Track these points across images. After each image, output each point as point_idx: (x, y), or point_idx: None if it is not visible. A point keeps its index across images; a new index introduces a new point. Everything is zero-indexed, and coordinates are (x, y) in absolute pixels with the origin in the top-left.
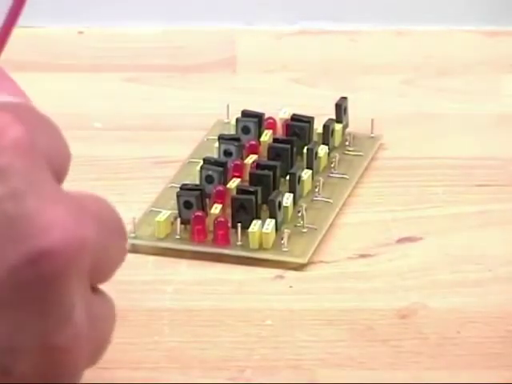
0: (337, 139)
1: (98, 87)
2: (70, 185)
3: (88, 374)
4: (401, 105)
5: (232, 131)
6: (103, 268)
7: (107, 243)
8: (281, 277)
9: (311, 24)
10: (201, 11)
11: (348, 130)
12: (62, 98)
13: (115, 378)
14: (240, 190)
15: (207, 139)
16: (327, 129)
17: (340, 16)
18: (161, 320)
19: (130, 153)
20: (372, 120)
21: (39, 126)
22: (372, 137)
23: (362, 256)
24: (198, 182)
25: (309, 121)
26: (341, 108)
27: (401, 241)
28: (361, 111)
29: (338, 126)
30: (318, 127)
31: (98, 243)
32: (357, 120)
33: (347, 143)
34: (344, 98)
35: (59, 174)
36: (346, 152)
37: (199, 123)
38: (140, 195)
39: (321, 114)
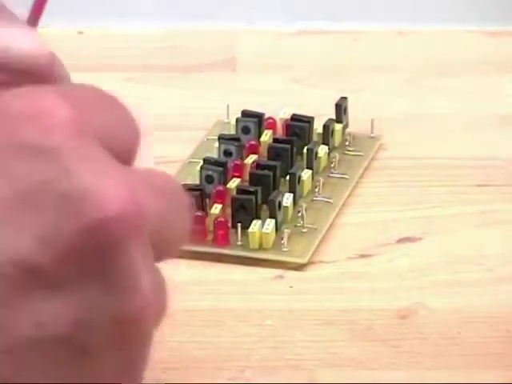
0: (337, 139)
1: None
2: None
3: None
4: (401, 105)
5: (232, 131)
6: (167, 241)
7: (170, 217)
8: (281, 277)
9: (311, 24)
10: (201, 11)
11: (348, 130)
12: None
13: None
14: (240, 190)
15: (207, 139)
16: (327, 129)
17: (340, 16)
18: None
19: None
20: (372, 120)
21: (95, 106)
22: (372, 137)
23: (362, 256)
24: (198, 182)
25: (309, 121)
26: (341, 108)
27: (401, 241)
28: (361, 111)
29: (337, 126)
30: (318, 127)
31: (160, 215)
32: (357, 120)
33: (347, 143)
34: (344, 98)
35: (123, 153)
36: (346, 152)
37: (199, 123)
38: None
39: (321, 114)
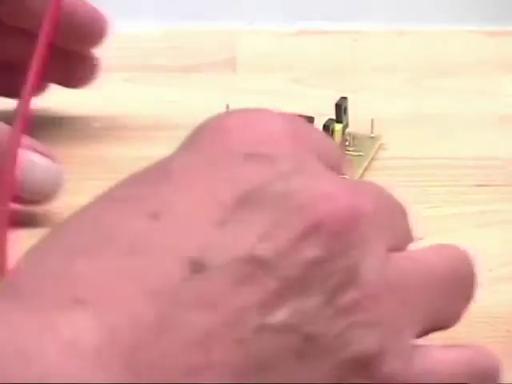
0: (337, 139)
1: (98, 87)
2: (70, 185)
3: None
4: (401, 105)
5: None
6: (396, 243)
7: (392, 217)
8: None
9: (311, 24)
10: (201, 11)
11: (348, 130)
12: (61, 98)
13: None
14: None
15: None
16: (327, 129)
17: (340, 16)
18: None
19: (130, 153)
20: (372, 120)
21: (304, 123)
22: (372, 137)
23: None
24: None
25: (309, 121)
26: (341, 108)
27: None
28: (361, 111)
29: (337, 126)
30: (318, 127)
31: (380, 216)
32: (357, 120)
33: (347, 143)
34: (344, 98)
35: (333, 168)
36: (346, 152)
37: (199, 123)
38: None
39: (321, 114)
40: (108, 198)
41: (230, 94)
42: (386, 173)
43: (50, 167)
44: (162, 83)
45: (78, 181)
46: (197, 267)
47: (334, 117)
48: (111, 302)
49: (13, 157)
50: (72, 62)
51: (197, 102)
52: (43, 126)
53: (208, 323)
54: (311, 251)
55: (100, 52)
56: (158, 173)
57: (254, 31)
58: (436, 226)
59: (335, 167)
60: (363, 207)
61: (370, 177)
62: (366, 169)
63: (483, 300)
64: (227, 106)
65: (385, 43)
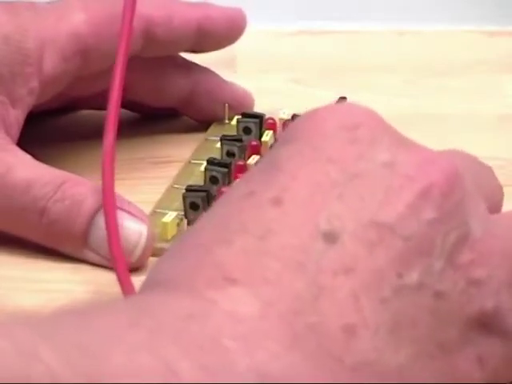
0: None
1: None
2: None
3: None
4: (401, 105)
5: (231, 131)
6: (491, 197)
7: (483, 175)
8: None
9: (311, 24)
10: None
11: None
12: None
13: None
14: None
15: (206, 139)
16: None
17: (340, 16)
18: None
19: (130, 153)
20: None
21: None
22: None
23: None
24: (200, 183)
25: None
26: None
27: None
28: None
29: None
30: None
31: (474, 177)
32: None
33: None
34: (343, 98)
35: (491, 208)
36: None
37: (200, 124)
38: (140, 196)
39: None
40: (230, 196)
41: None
42: None
43: (142, 232)
44: None
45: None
46: (329, 237)
47: None
48: (261, 279)
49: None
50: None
51: None
52: (43, 126)
53: (352, 285)
54: (428, 212)
55: None
56: (269, 166)
57: (254, 31)
58: None
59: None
60: (461, 169)
61: None
62: None
63: None
64: (227, 107)
65: (385, 43)
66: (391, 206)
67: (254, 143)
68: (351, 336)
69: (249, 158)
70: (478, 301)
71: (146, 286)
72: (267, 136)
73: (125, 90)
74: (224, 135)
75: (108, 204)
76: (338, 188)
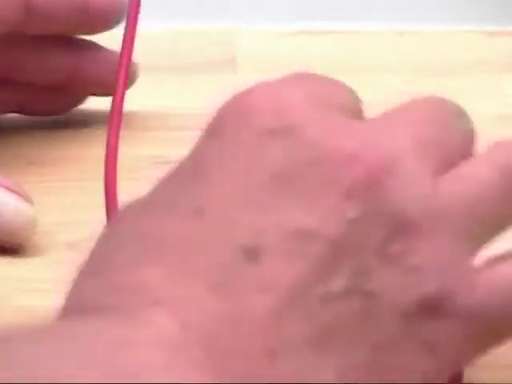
0: None
1: None
2: (70, 185)
3: None
4: None
5: None
6: (447, 152)
7: (442, 132)
8: None
9: (311, 24)
10: (201, 11)
11: None
12: None
13: None
14: None
15: None
16: None
17: (340, 16)
18: None
19: (130, 153)
20: None
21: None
22: None
23: None
24: None
25: None
26: None
27: None
28: None
29: None
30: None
31: (425, 139)
32: None
33: None
34: None
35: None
36: None
37: (199, 123)
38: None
39: None
40: (148, 206)
41: (231, 93)
42: None
43: (20, 209)
44: (162, 83)
45: (77, 181)
46: (250, 254)
47: None
48: (183, 301)
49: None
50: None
51: (197, 102)
52: (42, 127)
53: (274, 304)
54: (351, 212)
55: None
56: (189, 170)
57: (254, 31)
58: None
59: (358, 112)
60: (398, 150)
61: None
62: None
63: None
64: None
65: (385, 43)
66: (313, 211)
67: None
68: (273, 359)
69: None
70: (416, 288)
71: (70, 307)
72: None
73: (11, 68)
74: None
75: (111, 204)
76: (261, 194)
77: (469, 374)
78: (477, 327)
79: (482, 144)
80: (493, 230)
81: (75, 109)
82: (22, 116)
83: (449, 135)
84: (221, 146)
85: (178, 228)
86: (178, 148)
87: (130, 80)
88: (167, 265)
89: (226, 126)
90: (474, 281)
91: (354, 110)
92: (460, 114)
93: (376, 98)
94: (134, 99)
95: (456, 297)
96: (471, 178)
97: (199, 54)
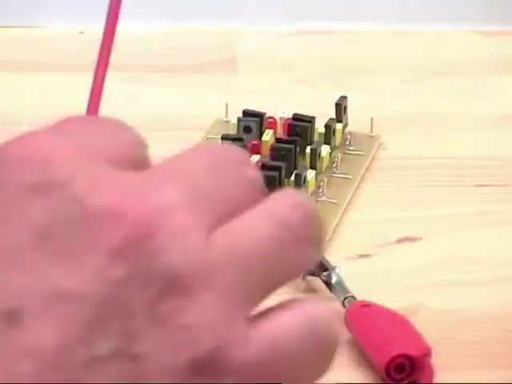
0: (337, 139)
1: None
2: None
3: None
4: (400, 105)
5: (231, 130)
6: (224, 205)
7: (218, 187)
8: None
9: (311, 24)
10: (201, 11)
11: (347, 129)
12: (62, 98)
13: None
14: None
15: (207, 138)
16: (329, 129)
17: (340, 16)
18: None
19: None
20: (371, 119)
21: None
22: (371, 136)
23: (362, 256)
24: None
25: (310, 120)
26: (341, 107)
27: (400, 241)
28: (360, 111)
29: (338, 126)
30: (319, 127)
31: (196, 197)
32: (356, 119)
33: (347, 142)
34: (344, 98)
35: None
36: (347, 152)
37: (200, 123)
38: None
39: (321, 113)
40: None
41: (230, 94)
42: (386, 173)
43: None
44: (162, 83)
45: None
46: (11, 317)
47: (333, 116)
48: None
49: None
50: None
51: (197, 101)
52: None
53: (37, 368)
54: (117, 271)
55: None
56: None
57: (254, 31)
58: (436, 226)
59: (140, 161)
60: (166, 203)
61: (371, 177)
62: (366, 169)
63: (482, 300)
64: (227, 106)
65: (384, 43)
66: (76, 272)
67: (255, 142)
68: None
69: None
70: (187, 348)
71: None
72: (267, 135)
73: None
74: (224, 134)
75: None
76: (20, 256)
77: (469, 374)
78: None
79: (482, 144)
80: (269, 284)
81: None
82: None
83: (228, 186)
84: None
85: None
86: (177, 148)
87: None
88: None
89: None
90: (247, 336)
91: (135, 159)
92: (243, 163)
93: (376, 98)
94: (134, 100)
95: (228, 354)
96: (245, 232)
97: (199, 54)
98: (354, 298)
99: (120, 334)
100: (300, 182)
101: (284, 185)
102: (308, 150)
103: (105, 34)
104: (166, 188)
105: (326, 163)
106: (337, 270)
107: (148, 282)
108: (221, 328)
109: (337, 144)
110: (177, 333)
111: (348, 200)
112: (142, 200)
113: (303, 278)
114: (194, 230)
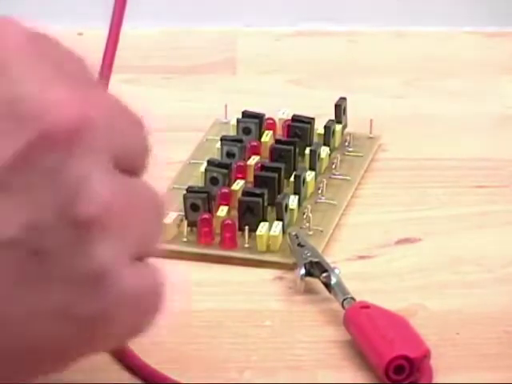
0: (337, 140)
1: None
2: None
3: (85, 377)
4: (400, 105)
5: (230, 131)
6: (126, 155)
7: (123, 129)
8: (280, 278)
9: (310, 25)
10: (201, 11)
11: (347, 130)
12: None
13: (113, 379)
14: (246, 193)
15: (206, 139)
16: (328, 130)
17: (339, 17)
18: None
19: None
20: (371, 120)
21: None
22: (371, 137)
23: (361, 257)
24: (200, 184)
25: (309, 122)
26: (340, 108)
27: (400, 242)
28: (360, 112)
29: (337, 127)
30: (318, 128)
31: (111, 127)
32: (355, 120)
33: (347, 144)
34: (343, 99)
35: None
36: (346, 153)
37: (199, 124)
38: None
39: (319, 114)
40: None
41: (230, 95)
42: (385, 174)
43: None
44: (162, 84)
45: None
46: None
47: (333, 117)
48: None
49: None
50: None
51: (196, 102)
52: None
53: None
54: (36, 163)
55: (100, 53)
56: None
57: (253, 32)
58: (435, 227)
59: (77, 73)
60: (91, 117)
61: (370, 178)
62: (366, 170)
63: (482, 301)
64: (226, 107)
65: (384, 44)
66: None
67: (254, 143)
68: None
69: (249, 158)
70: (89, 258)
71: None
72: (267, 136)
73: None
74: (224, 135)
75: None
76: None
77: (469, 375)
78: None
79: (482, 145)
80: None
81: None
82: None
83: (131, 135)
84: None
85: None
86: (177, 149)
87: None
88: None
89: None
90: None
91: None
92: (140, 126)
93: (376, 99)
94: (133, 100)
95: (117, 279)
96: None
97: (198, 55)
98: (353, 299)
99: (25, 226)
100: (299, 183)
101: (283, 186)
102: (307, 151)
103: (109, 35)
104: (93, 106)
105: (325, 164)
106: (336, 271)
107: (62, 184)
108: (120, 252)
109: (336, 145)
110: (83, 240)
111: (347, 201)
112: (73, 104)
113: (302, 278)
114: (108, 155)
